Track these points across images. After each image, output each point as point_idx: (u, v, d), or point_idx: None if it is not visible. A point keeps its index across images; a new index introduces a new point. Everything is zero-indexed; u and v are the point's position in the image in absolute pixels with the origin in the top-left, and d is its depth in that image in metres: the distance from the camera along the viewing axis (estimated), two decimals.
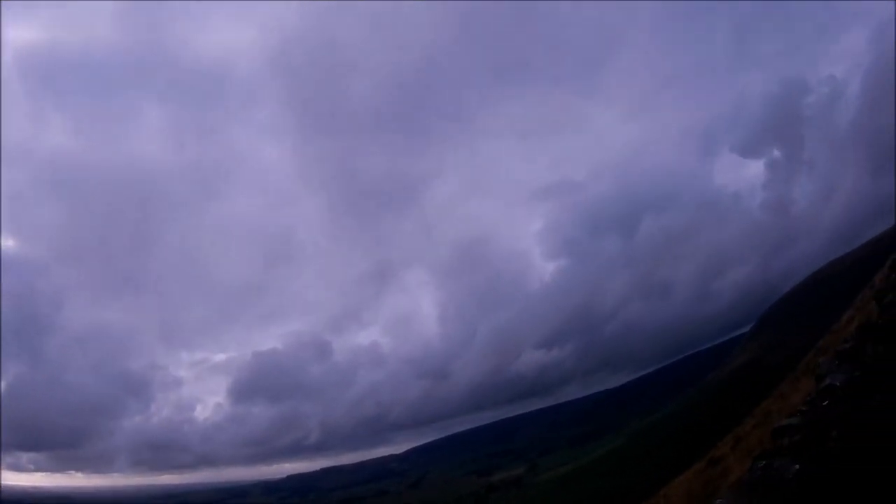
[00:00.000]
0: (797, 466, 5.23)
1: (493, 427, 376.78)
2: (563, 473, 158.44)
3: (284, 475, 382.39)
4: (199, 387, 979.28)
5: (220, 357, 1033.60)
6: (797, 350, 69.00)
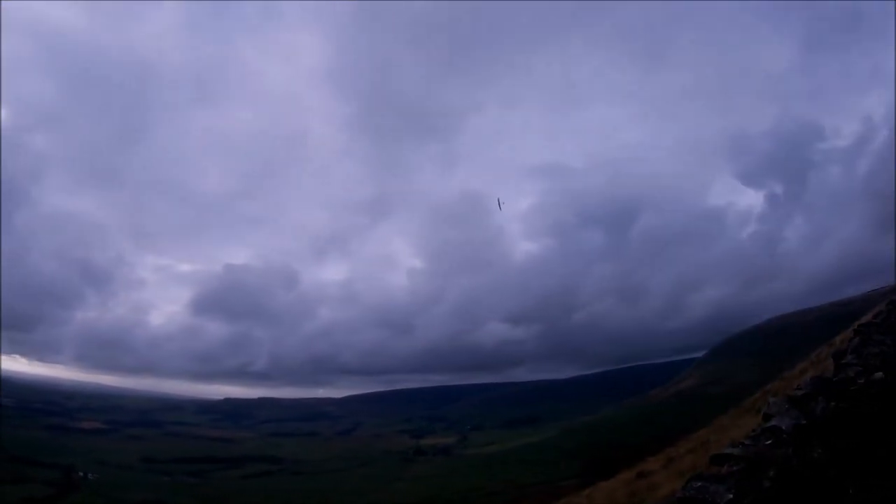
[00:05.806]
0: (731, 496, 5.43)
1: (437, 392, 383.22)
2: (490, 452, 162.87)
3: (222, 397, 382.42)
4: (159, 292, 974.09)
5: (185, 267, 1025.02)
6: (741, 387, 71.72)
